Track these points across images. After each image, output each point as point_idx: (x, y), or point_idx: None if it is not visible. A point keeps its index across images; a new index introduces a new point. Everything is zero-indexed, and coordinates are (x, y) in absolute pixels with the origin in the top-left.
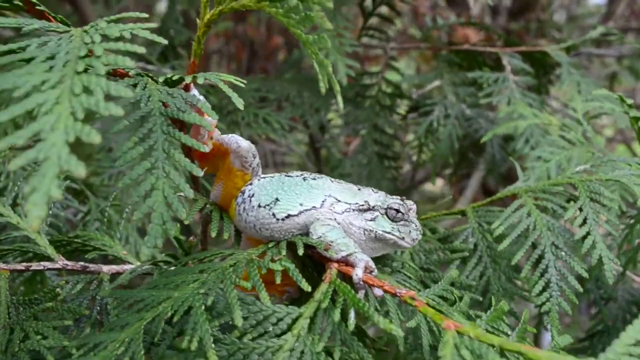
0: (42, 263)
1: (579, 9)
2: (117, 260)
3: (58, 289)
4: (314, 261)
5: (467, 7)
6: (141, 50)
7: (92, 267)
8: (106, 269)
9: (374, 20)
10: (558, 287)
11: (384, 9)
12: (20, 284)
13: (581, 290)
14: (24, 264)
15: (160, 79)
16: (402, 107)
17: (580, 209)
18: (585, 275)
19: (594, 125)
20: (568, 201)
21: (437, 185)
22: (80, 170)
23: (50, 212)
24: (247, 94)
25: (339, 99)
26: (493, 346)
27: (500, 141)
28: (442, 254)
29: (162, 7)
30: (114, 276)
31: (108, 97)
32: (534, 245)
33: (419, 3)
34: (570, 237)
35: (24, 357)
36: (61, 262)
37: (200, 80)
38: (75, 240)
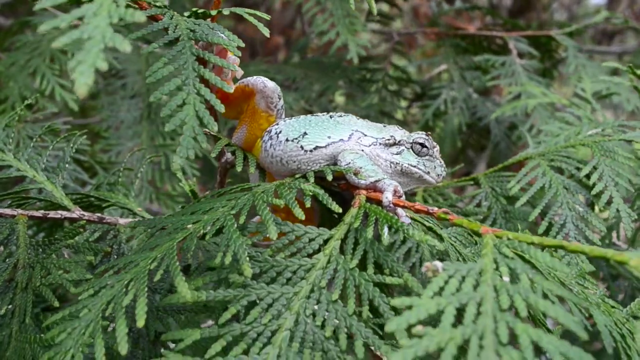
0: (59, 212)
1: (579, 9)
2: (133, 215)
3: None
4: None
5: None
6: None
7: (109, 218)
8: (122, 221)
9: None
10: (577, 241)
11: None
12: None
13: (599, 243)
14: (42, 211)
15: (185, 14)
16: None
17: (595, 167)
18: (604, 229)
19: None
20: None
21: None
22: (125, 46)
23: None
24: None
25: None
26: (533, 243)
27: (506, 129)
28: None
29: None
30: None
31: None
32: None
33: (420, 2)
34: (586, 194)
35: (45, 291)
36: (78, 212)
37: (226, 12)
38: (91, 195)
